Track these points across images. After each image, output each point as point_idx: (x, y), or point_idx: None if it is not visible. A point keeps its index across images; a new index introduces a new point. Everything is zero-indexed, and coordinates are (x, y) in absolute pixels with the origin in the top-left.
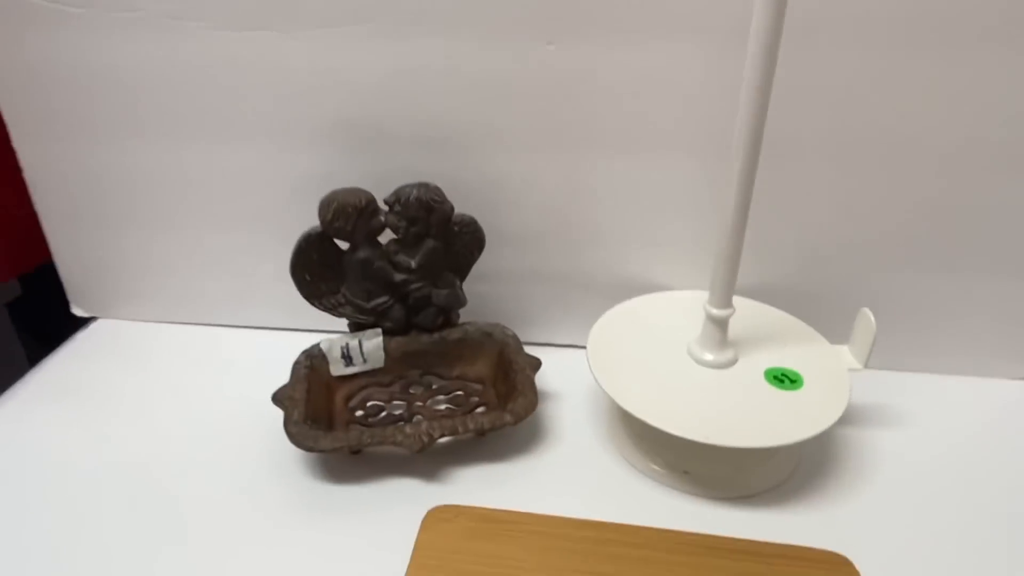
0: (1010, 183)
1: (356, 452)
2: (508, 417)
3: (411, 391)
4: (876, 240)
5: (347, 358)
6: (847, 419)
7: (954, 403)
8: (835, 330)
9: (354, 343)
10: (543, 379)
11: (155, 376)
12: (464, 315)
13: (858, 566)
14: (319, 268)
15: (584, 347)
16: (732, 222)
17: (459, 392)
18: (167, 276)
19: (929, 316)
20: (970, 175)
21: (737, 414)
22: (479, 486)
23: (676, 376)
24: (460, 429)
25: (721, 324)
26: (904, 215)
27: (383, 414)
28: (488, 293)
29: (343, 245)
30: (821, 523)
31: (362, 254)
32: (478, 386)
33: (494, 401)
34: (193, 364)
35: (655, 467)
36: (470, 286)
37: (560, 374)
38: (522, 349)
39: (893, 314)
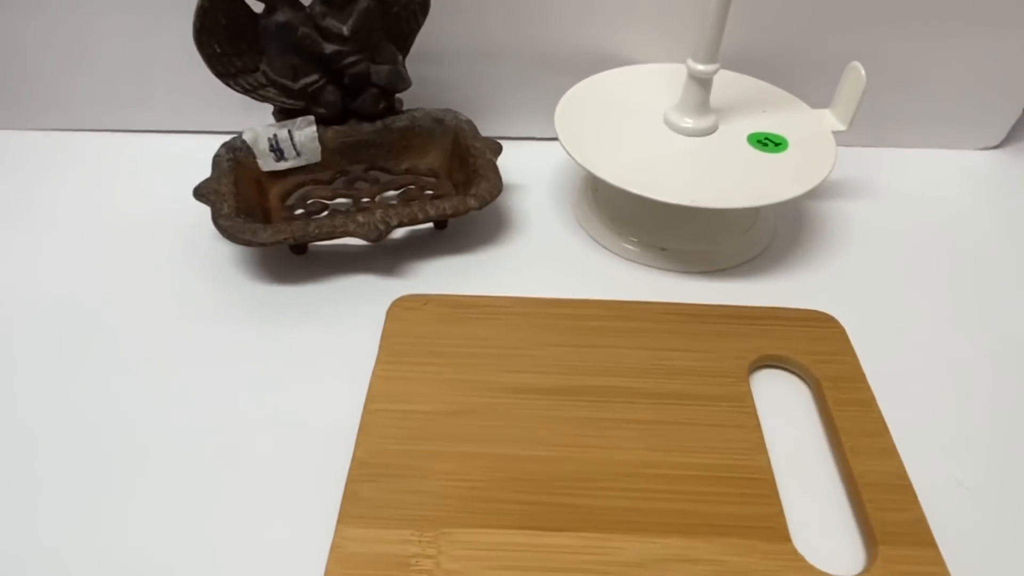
0: None
1: (301, 251)
2: (472, 202)
3: (356, 187)
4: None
5: (277, 151)
6: (820, 193)
7: (919, 174)
8: (813, 100)
9: (283, 133)
10: (502, 173)
11: (57, 190)
12: (408, 103)
13: (843, 324)
14: (231, 37)
15: (545, 139)
16: None
17: (411, 187)
18: (56, 75)
19: (898, 88)
20: None
21: (720, 178)
22: (443, 278)
23: (653, 145)
24: (420, 216)
25: (705, 84)
26: None
27: (326, 213)
28: (434, 77)
29: (258, 7)
30: (802, 289)
31: (281, 17)
32: (431, 179)
33: (451, 193)
34: (99, 175)
35: (630, 247)
36: (413, 69)
37: (520, 168)
38: (479, 134)
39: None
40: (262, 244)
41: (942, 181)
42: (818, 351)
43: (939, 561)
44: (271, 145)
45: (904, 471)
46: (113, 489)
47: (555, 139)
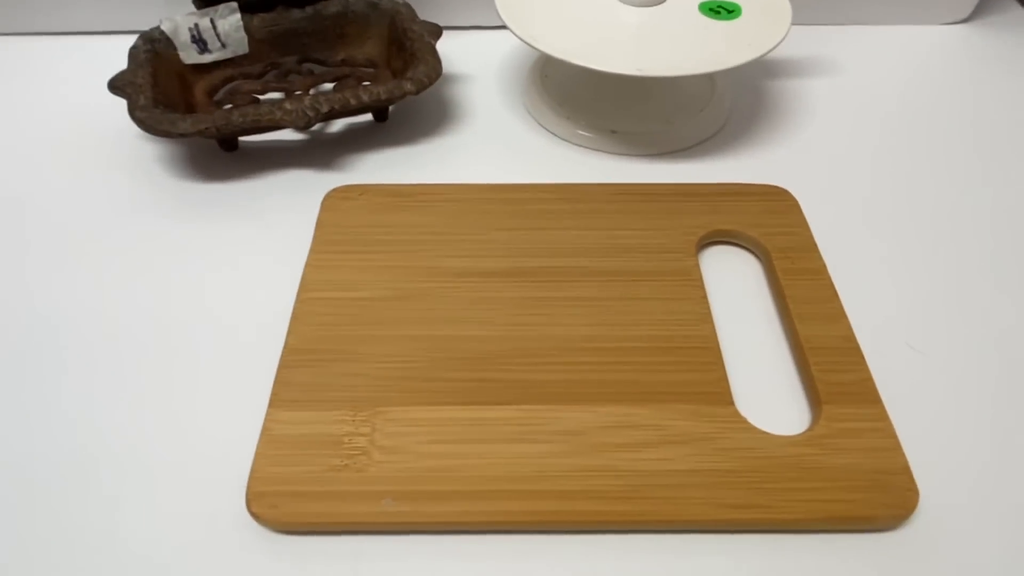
0: None
1: (232, 147)
2: (408, 85)
3: (288, 80)
4: None
5: (200, 42)
6: (779, 71)
7: (883, 51)
8: None
9: (205, 22)
10: (444, 64)
11: None
12: None
13: (797, 198)
14: None
15: (492, 28)
16: None
17: (347, 78)
18: None
19: None
20: None
21: (671, 47)
22: (384, 170)
23: (602, 20)
24: (352, 101)
25: None
26: None
27: None
28: None
29: None
30: (758, 167)
31: None
32: (369, 70)
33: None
34: (18, 80)
35: (580, 131)
36: None
37: (467, 59)
38: (417, 17)
39: None
40: (182, 135)
41: (907, 58)
42: (770, 224)
43: (884, 417)
44: (192, 36)
45: (852, 334)
46: (45, 378)
47: (503, 27)
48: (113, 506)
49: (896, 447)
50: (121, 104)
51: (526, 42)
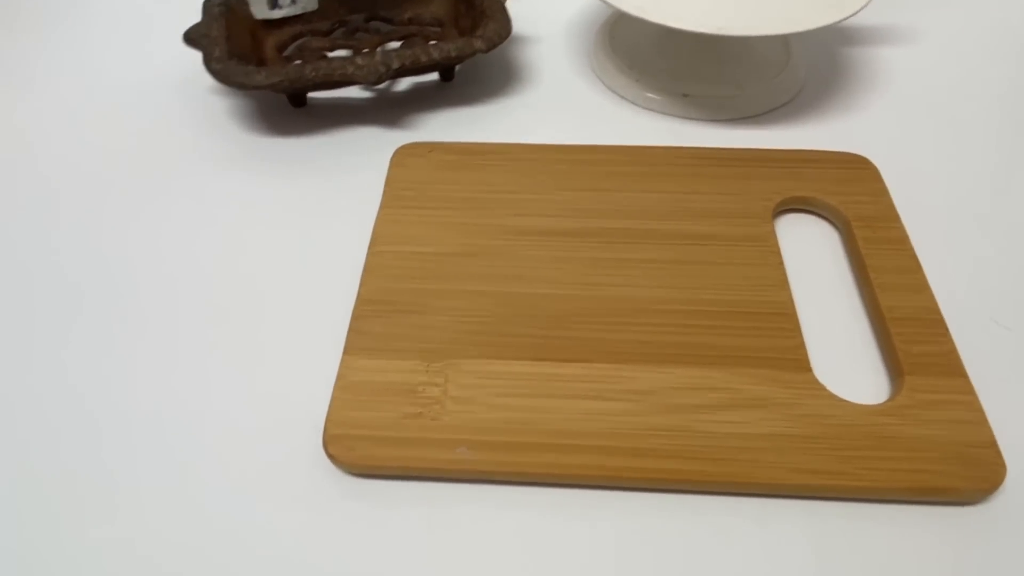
0: None
1: (300, 103)
2: (479, 43)
3: (356, 38)
4: None
5: None
6: (858, 38)
7: (966, 19)
8: None
9: None
10: (514, 22)
11: (46, 48)
12: None
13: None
14: None
15: None
16: None
17: (414, 37)
18: None
19: None
20: None
21: (750, 7)
22: (450, 129)
23: None
24: (423, 58)
25: None
26: None
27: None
28: None
29: None
30: (832, 135)
31: None
32: (436, 28)
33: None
34: (89, 33)
35: (649, 94)
36: None
37: (534, 19)
38: None
39: None
40: (257, 87)
41: (993, 26)
42: (849, 192)
43: (969, 390)
44: None
45: (936, 306)
46: (135, 328)
47: None
48: (197, 449)
49: (982, 420)
50: (193, 58)
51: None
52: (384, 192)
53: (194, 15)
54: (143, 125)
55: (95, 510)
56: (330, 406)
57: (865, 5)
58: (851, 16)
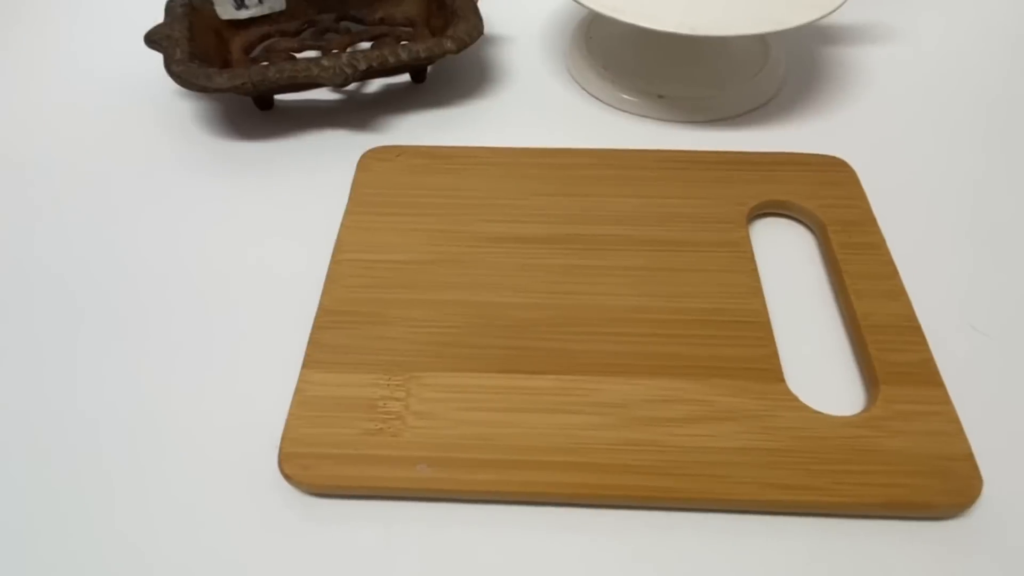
0: None
1: (267, 106)
2: (449, 44)
3: (325, 39)
4: None
5: None
6: (837, 37)
7: (945, 19)
8: None
9: None
10: (487, 23)
11: (12, 46)
12: None
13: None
14: None
15: None
16: None
17: (385, 37)
18: None
19: None
20: None
21: (725, 6)
22: (421, 131)
23: None
24: (391, 59)
25: None
26: None
27: None
28: None
29: None
30: (811, 136)
31: None
32: (407, 29)
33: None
34: (56, 33)
35: (625, 96)
36: None
37: (508, 20)
38: None
39: None
40: (218, 90)
41: (972, 26)
42: (825, 195)
43: (945, 400)
44: None
45: (912, 313)
46: (83, 337)
47: None
48: (146, 465)
49: (959, 432)
50: (156, 59)
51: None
52: (349, 198)
53: (159, 15)
54: (104, 128)
55: (45, 524)
56: (286, 423)
57: (842, 3)
58: (829, 14)
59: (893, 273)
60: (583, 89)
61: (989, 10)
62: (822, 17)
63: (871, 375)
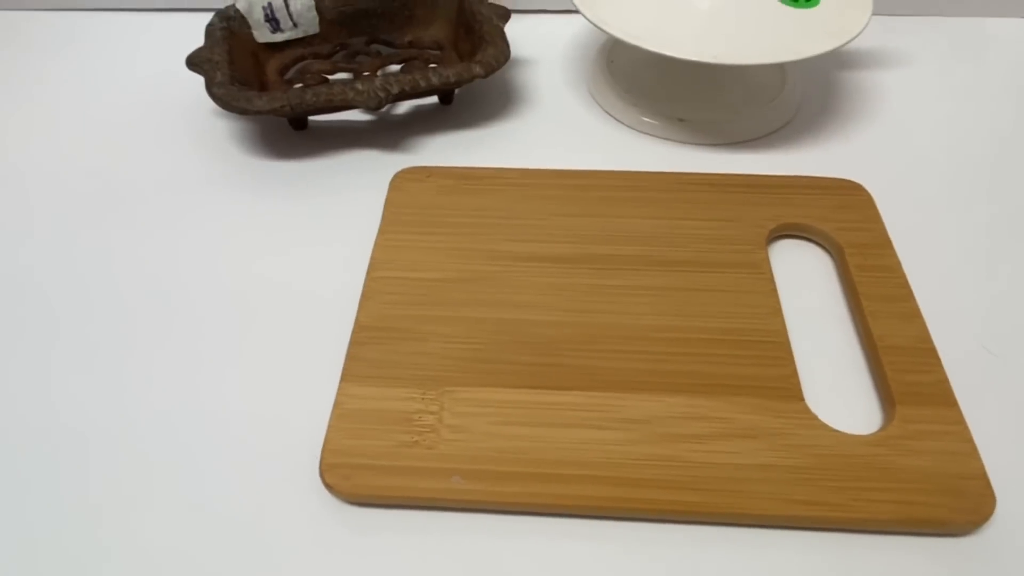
0: None
1: (301, 126)
2: (477, 68)
3: (357, 61)
4: None
5: (272, 21)
6: (855, 63)
7: (961, 44)
8: None
9: (278, 2)
10: (512, 46)
11: (52, 71)
12: None
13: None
14: None
15: (558, 12)
16: None
17: (415, 60)
18: None
19: None
20: None
21: (745, 35)
22: (449, 153)
23: (674, 5)
24: (422, 83)
25: None
26: None
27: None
28: None
29: None
30: (829, 160)
31: None
32: (436, 52)
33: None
34: (95, 56)
35: (645, 119)
36: None
37: (532, 43)
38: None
39: None
40: (258, 112)
41: (988, 51)
42: (842, 219)
43: (959, 420)
44: (266, 15)
45: (928, 335)
46: (127, 351)
47: (567, 11)
48: (190, 473)
49: (972, 451)
50: (195, 81)
51: (596, 25)
52: (383, 217)
53: (198, 38)
54: (145, 148)
55: (83, 533)
56: (327, 434)
57: (859, 33)
58: (846, 44)
59: (908, 295)
60: (605, 112)
61: (1004, 34)
62: (839, 47)
63: (887, 395)
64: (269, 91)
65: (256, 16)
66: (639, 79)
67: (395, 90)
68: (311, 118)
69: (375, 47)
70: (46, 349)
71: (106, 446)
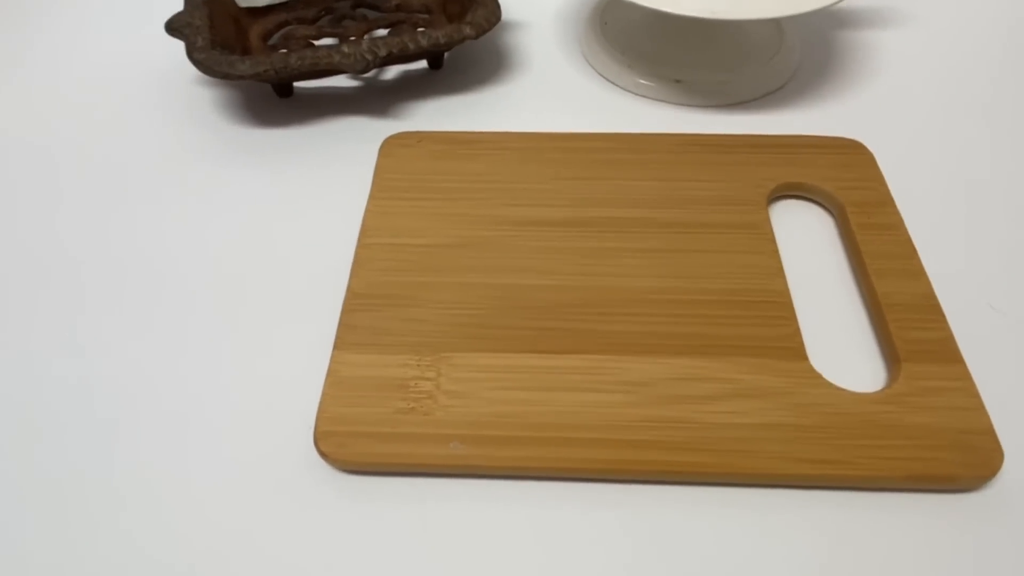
0: None
1: (287, 93)
2: (467, 30)
3: (343, 25)
4: None
5: None
6: (845, 20)
7: (961, 1)
8: None
9: None
10: (503, 8)
11: (32, 39)
12: None
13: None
14: None
15: None
16: None
17: (402, 24)
18: None
19: None
20: None
21: None
22: (440, 118)
23: None
24: (411, 45)
25: None
26: None
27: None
28: None
29: None
30: (827, 119)
31: None
32: (424, 15)
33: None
34: (74, 24)
35: (641, 80)
36: None
37: (520, 4)
38: None
39: None
40: (241, 77)
41: (986, 7)
42: (844, 177)
43: (966, 376)
44: None
45: (932, 292)
46: (115, 323)
47: None
48: (182, 443)
49: (979, 407)
50: (176, 47)
51: None
52: (373, 183)
53: (176, 3)
54: (125, 116)
55: (76, 506)
56: (321, 402)
57: None
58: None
59: (912, 253)
60: (600, 74)
61: None
62: (837, 2)
63: (892, 353)
64: (253, 56)
65: None
66: (634, 40)
67: (383, 53)
68: (297, 84)
69: (361, 11)
70: (30, 325)
71: (96, 419)
